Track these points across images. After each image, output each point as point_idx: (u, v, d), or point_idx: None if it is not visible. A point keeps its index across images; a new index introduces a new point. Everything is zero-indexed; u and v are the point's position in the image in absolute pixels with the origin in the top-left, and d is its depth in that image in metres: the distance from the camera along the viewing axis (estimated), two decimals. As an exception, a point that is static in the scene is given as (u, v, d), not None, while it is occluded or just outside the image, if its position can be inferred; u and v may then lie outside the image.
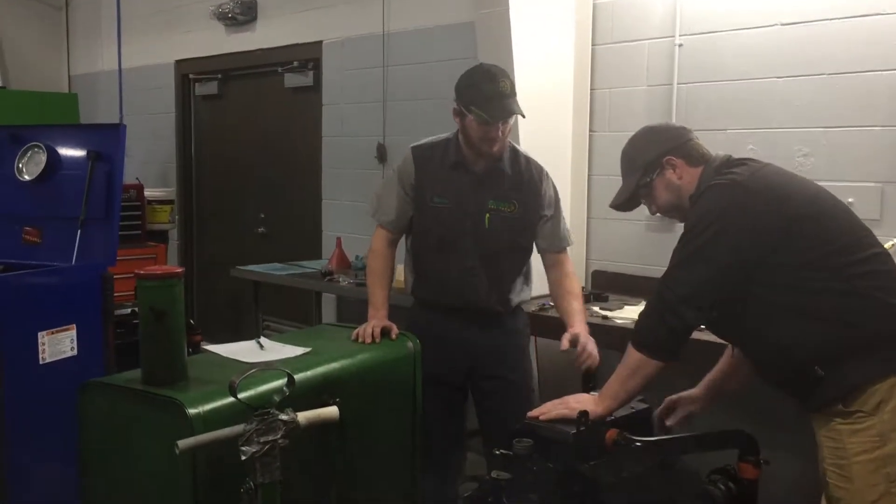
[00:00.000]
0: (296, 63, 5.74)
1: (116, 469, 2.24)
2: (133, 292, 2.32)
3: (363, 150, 5.25)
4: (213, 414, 2.06)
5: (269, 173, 6.20)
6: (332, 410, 2.08)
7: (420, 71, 4.94)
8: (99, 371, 3.00)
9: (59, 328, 3.04)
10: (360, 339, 2.76)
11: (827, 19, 3.37)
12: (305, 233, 5.79)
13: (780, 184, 2.15)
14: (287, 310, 5.59)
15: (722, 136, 3.63)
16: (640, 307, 3.59)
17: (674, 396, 2.46)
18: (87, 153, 3.46)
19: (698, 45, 3.77)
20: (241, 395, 2.01)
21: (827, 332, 2.02)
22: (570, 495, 2.09)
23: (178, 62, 6.73)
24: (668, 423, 2.42)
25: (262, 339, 2.75)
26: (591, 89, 4.12)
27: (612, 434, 2.13)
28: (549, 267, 3.04)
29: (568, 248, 3.08)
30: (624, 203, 2.42)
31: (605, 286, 4.02)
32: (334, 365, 2.53)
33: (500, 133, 2.81)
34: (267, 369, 2.19)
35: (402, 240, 3.11)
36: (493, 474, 2.14)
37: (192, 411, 2.04)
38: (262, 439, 1.87)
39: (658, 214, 2.44)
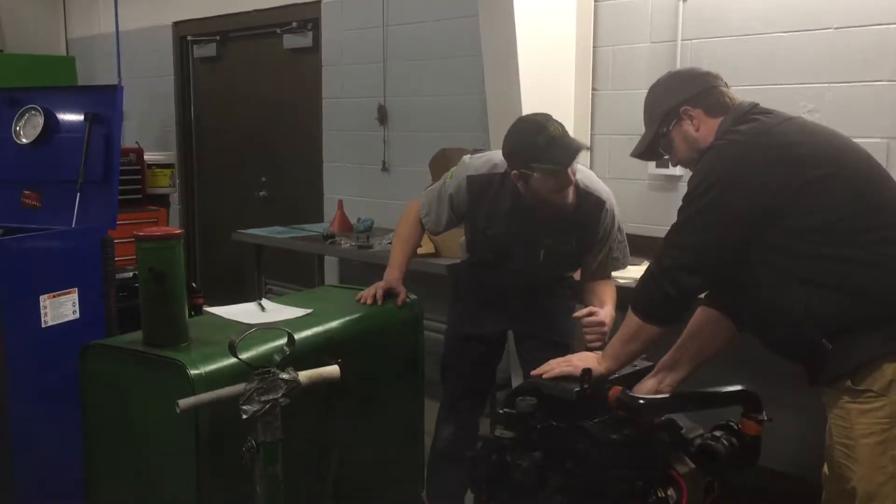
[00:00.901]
0: (294, 24, 5.68)
1: (119, 430, 2.25)
2: (135, 256, 2.31)
3: (364, 112, 5.21)
4: (214, 374, 2.06)
5: (269, 136, 6.16)
6: (332, 369, 2.07)
7: (420, 30, 4.88)
8: (101, 334, 3.00)
9: (60, 292, 3.04)
10: (361, 300, 2.75)
11: (833, -28, 3.32)
12: (307, 195, 5.77)
13: (795, 142, 2.01)
14: (289, 273, 5.59)
15: (726, 92, 3.58)
16: (644, 267, 3.60)
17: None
18: (85, 115, 3.42)
19: (703, 0, 3.71)
20: (242, 356, 2.00)
21: (836, 303, 1.92)
22: (573, 453, 2.09)
23: (176, 24, 6.66)
24: None
25: (264, 301, 2.75)
26: (593, 47, 4.06)
27: (615, 392, 2.12)
28: (586, 285, 2.91)
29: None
30: (643, 153, 2.31)
31: (607, 246, 4.00)
32: (335, 325, 2.53)
33: (571, 177, 2.63)
34: (267, 329, 2.18)
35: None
36: (497, 432, 2.15)
37: (193, 372, 2.04)
38: (263, 398, 1.88)
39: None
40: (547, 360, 2.34)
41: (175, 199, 6.49)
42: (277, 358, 2.00)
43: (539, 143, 2.56)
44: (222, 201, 6.65)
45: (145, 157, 5.86)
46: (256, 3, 5.88)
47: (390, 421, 2.76)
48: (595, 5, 4.03)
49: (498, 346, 3.07)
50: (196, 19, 6.48)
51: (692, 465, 2.12)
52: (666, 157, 2.31)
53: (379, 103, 5.12)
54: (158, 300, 2.22)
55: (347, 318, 2.60)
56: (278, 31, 5.80)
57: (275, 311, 2.61)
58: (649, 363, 2.35)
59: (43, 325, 2.97)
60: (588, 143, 3.89)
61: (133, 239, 2.25)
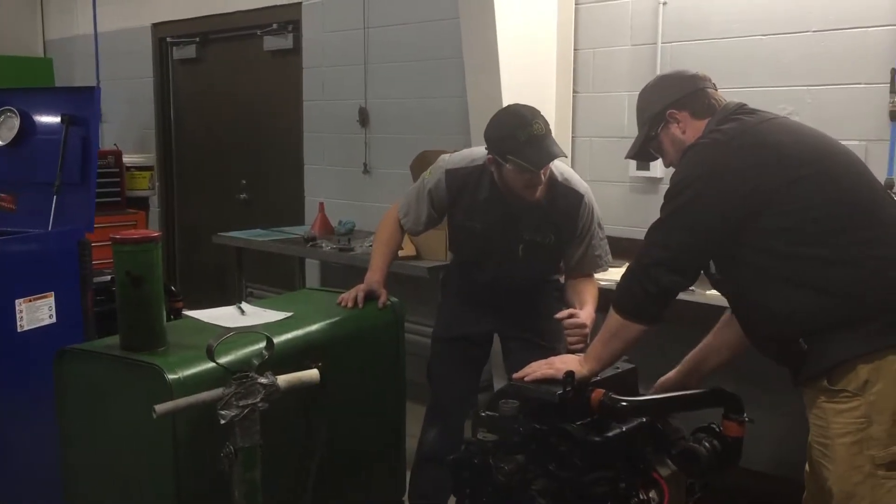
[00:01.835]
0: (275, 25, 5.65)
1: (96, 436, 2.22)
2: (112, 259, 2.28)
3: (345, 114, 5.19)
4: (192, 379, 2.04)
5: (249, 138, 6.12)
6: (312, 373, 2.06)
7: (401, 32, 4.87)
8: (78, 338, 2.96)
9: (36, 295, 3.00)
10: (342, 304, 2.74)
11: (812, -24, 3.34)
12: (287, 198, 5.74)
13: (776, 142, 2.03)
14: (270, 276, 5.56)
15: (706, 95, 3.60)
16: (624, 269, 3.61)
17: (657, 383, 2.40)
18: (62, 117, 3.39)
19: (683, 3, 3.72)
20: (220, 360, 1.98)
21: (812, 302, 1.93)
22: (556, 456, 2.08)
23: (155, 25, 6.61)
24: None
25: (244, 305, 2.73)
26: (574, 49, 4.07)
27: (597, 394, 2.12)
28: (569, 284, 2.92)
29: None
30: (636, 156, 2.36)
31: (589, 248, 4.01)
32: (315, 329, 2.51)
33: (542, 178, 2.65)
34: (245, 333, 2.16)
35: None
36: (479, 435, 2.13)
37: (171, 376, 2.02)
38: (241, 403, 1.86)
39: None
40: (532, 362, 2.36)
41: (154, 201, 6.45)
42: (256, 362, 1.98)
43: (519, 137, 2.57)
44: (202, 204, 6.61)
45: (124, 159, 5.82)
46: (236, 4, 5.85)
47: (372, 424, 2.75)
48: (576, 8, 4.04)
49: (484, 348, 3.07)
50: (175, 21, 6.43)
51: (674, 468, 2.12)
52: (658, 158, 2.34)
53: (360, 105, 5.10)
54: (136, 304, 2.19)
55: (328, 322, 2.58)
56: (259, 32, 5.77)
57: (254, 315, 2.59)
58: (630, 365, 2.35)
59: (19, 330, 2.94)
60: (566, 152, 3.93)
61: (111, 242, 2.22)
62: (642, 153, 2.33)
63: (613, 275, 3.51)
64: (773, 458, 3.32)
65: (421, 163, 4.14)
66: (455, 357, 3.00)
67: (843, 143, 2.12)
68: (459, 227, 2.91)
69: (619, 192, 3.99)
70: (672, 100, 2.20)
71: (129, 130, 6.79)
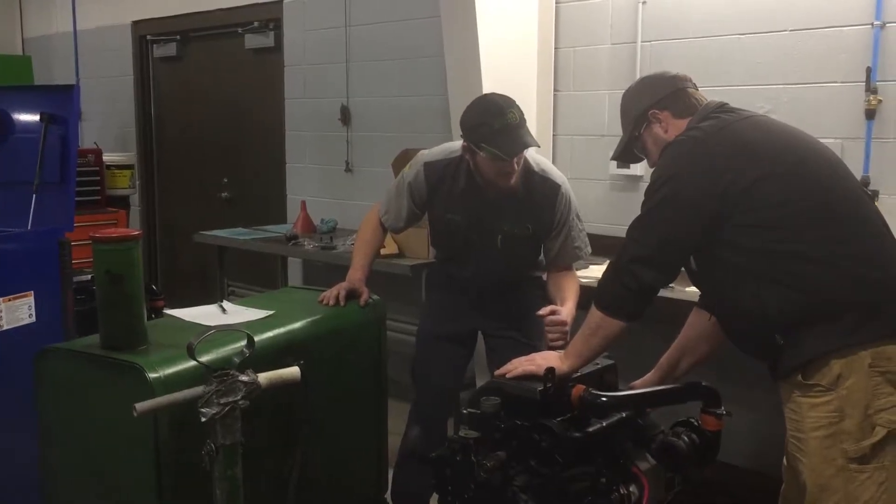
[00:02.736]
0: (256, 23, 5.63)
1: (76, 436, 2.21)
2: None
3: (327, 113, 5.19)
4: (173, 378, 2.03)
5: (231, 137, 6.10)
6: (293, 371, 2.06)
7: (383, 30, 4.87)
8: (58, 338, 2.94)
9: (15, 295, 2.97)
10: (324, 302, 2.74)
11: (789, -25, 3.37)
12: (269, 197, 5.73)
13: (751, 139, 2.06)
14: (252, 275, 5.54)
15: (685, 93, 3.63)
16: (605, 266, 3.63)
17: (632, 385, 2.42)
18: (41, 115, 3.36)
19: (662, 2, 3.75)
20: (201, 358, 1.98)
21: (785, 298, 1.96)
22: (537, 452, 2.10)
23: (135, 23, 6.57)
24: None
25: (225, 303, 2.72)
26: (555, 48, 4.09)
27: (578, 390, 2.14)
28: (550, 277, 2.94)
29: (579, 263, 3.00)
30: (620, 156, 2.39)
31: (570, 246, 4.03)
32: (297, 327, 2.52)
33: (515, 167, 2.69)
34: (227, 331, 2.16)
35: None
36: (461, 433, 2.15)
37: (152, 375, 2.01)
38: (222, 401, 1.85)
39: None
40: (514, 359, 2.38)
41: (135, 200, 6.41)
42: (237, 360, 1.98)
43: (493, 126, 2.60)
44: (184, 203, 6.58)
45: (104, 157, 5.76)
46: (217, 2, 5.82)
47: (353, 422, 2.75)
48: (556, 7, 4.06)
49: (468, 345, 3.08)
50: (155, 18, 6.40)
51: (653, 462, 2.14)
52: (643, 159, 2.37)
53: (342, 104, 5.10)
54: (116, 303, 2.18)
55: (309, 320, 2.58)
56: (240, 30, 5.74)
57: (236, 313, 2.58)
58: (610, 361, 2.37)
59: (-2, 330, 2.92)
60: (547, 150, 3.95)
61: (90, 241, 2.21)
62: (626, 154, 2.37)
63: (594, 272, 3.54)
64: (751, 453, 3.35)
65: (402, 161, 4.14)
66: (439, 355, 3.02)
67: (820, 140, 2.16)
68: (439, 219, 2.92)
69: (599, 190, 4.02)
70: (654, 100, 2.23)
71: (109, 129, 6.74)
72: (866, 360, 1.91)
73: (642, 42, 3.80)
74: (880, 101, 3.19)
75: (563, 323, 2.62)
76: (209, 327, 2.17)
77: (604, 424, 2.13)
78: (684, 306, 2.79)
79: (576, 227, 2.88)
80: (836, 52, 3.29)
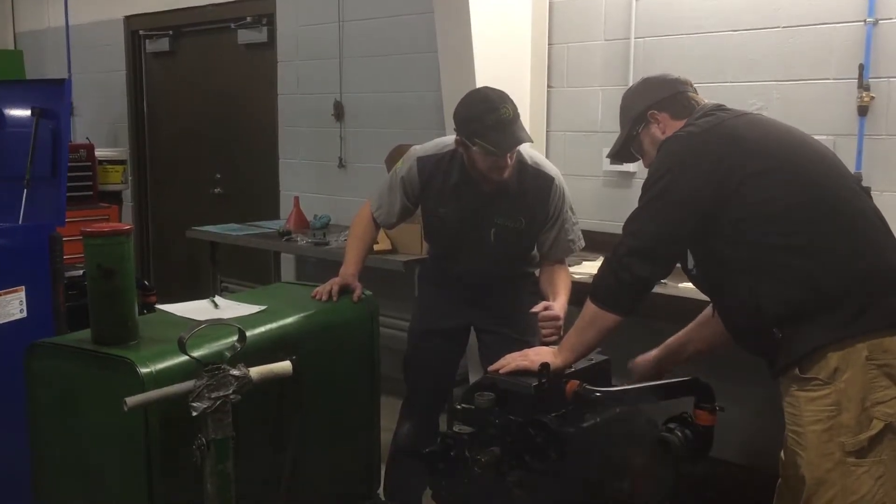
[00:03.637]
0: (249, 18, 5.61)
1: (67, 431, 2.19)
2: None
3: (320, 108, 5.18)
4: (165, 372, 2.02)
5: (224, 132, 6.08)
6: (285, 365, 2.05)
7: (376, 26, 4.86)
8: (49, 333, 2.92)
9: (6, 290, 2.96)
10: (316, 297, 2.73)
11: (783, -28, 3.38)
12: (262, 192, 5.71)
13: (746, 135, 2.07)
14: (245, 270, 5.53)
15: (679, 90, 3.63)
16: (598, 263, 3.63)
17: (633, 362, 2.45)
18: (32, 110, 3.35)
19: (655, -2, 3.75)
20: (192, 353, 1.97)
21: (781, 293, 1.97)
22: (532, 447, 2.09)
23: (128, 18, 6.54)
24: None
25: (217, 298, 2.72)
26: (548, 44, 4.08)
27: (572, 385, 2.14)
28: (543, 271, 2.93)
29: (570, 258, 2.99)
30: (617, 155, 2.40)
31: (563, 242, 4.03)
32: (289, 322, 2.51)
33: (508, 162, 2.68)
34: (218, 325, 2.15)
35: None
36: (455, 428, 2.14)
37: (143, 370, 2.00)
38: (212, 395, 1.85)
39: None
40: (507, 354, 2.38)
41: (128, 196, 6.39)
42: (228, 354, 1.97)
43: (487, 121, 2.60)
44: (176, 198, 6.55)
45: (96, 153, 5.74)
46: (210, -3, 5.81)
47: (346, 417, 2.74)
48: (550, 3, 4.05)
49: (460, 341, 3.07)
50: (148, 13, 6.37)
51: (647, 457, 2.14)
52: (638, 159, 2.38)
53: (335, 99, 5.09)
54: (107, 297, 2.17)
55: (301, 315, 2.57)
56: (233, 25, 5.72)
57: (228, 308, 2.57)
58: (604, 357, 2.37)
59: (-12, 325, 2.90)
60: (541, 146, 3.95)
61: (81, 235, 2.20)
62: (623, 153, 2.38)
63: (587, 268, 3.54)
64: (744, 448, 3.36)
65: (396, 156, 4.12)
66: (431, 350, 3.01)
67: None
68: (432, 214, 2.91)
69: (592, 187, 4.02)
70: (653, 101, 2.25)
71: (101, 124, 6.72)
72: (863, 352, 1.92)
73: (636, 38, 3.80)
74: (873, 97, 3.20)
75: (557, 318, 2.62)
76: (200, 322, 2.16)
77: (597, 420, 2.13)
78: (678, 302, 2.81)
79: (569, 220, 2.88)
80: (829, 49, 3.30)
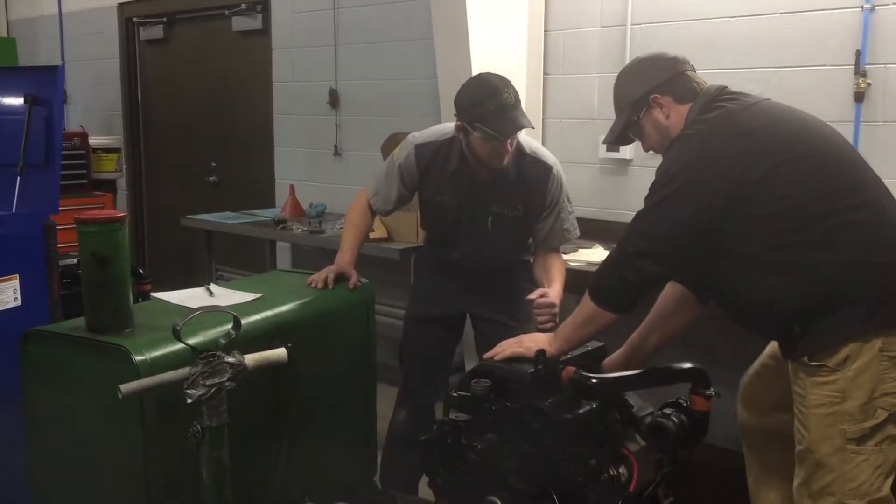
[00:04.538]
0: (244, 5, 5.58)
1: (63, 419, 2.19)
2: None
3: (315, 96, 5.15)
4: (160, 360, 2.02)
5: (218, 120, 6.06)
6: (280, 352, 2.05)
7: (371, 13, 4.84)
8: (44, 321, 2.91)
9: (0, 278, 2.95)
10: (312, 284, 2.73)
11: (780, -43, 3.36)
12: (258, 181, 5.69)
13: (758, 130, 2.02)
14: (241, 259, 5.52)
15: (675, 76, 3.62)
16: (595, 250, 3.64)
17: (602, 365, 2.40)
18: (25, 97, 3.32)
19: (652, -16, 3.74)
20: (187, 340, 1.97)
21: (801, 289, 1.95)
22: (528, 434, 2.10)
23: (121, 5, 6.50)
24: None
25: (212, 286, 2.71)
26: (544, 31, 4.07)
27: (568, 372, 2.14)
28: (538, 258, 2.93)
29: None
30: (616, 141, 2.34)
31: (559, 230, 4.02)
32: (284, 310, 2.50)
33: (508, 148, 2.67)
34: (213, 313, 2.14)
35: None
36: (451, 416, 2.14)
37: (138, 358, 2.00)
38: (207, 382, 1.84)
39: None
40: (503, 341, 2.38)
41: (122, 184, 6.37)
42: (223, 342, 1.96)
43: (488, 106, 2.59)
44: (171, 186, 6.53)
45: (90, 141, 5.72)
46: (204, -17, 5.78)
47: (341, 405, 2.74)
48: (547, -12, 4.04)
49: (456, 328, 3.07)
50: (142, 0, 6.33)
51: (643, 443, 2.15)
52: (634, 141, 2.33)
53: (330, 87, 5.06)
54: (101, 285, 2.16)
55: (297, 303, 2.57)
56: (227, 12, 5.69)
57: (223, 296, 2.57)
58: (600, 343, 2.37)
59: (-18, 313, 2.89)
60: (533, 124, 3.93)
61: (75, 223, 2.19)
62: (622, 138, 2.32)
63: (583, 256, 3.54)
64: (738, 434, 3.35)
65: (392, 144, 4.12)
66: (427, 338, 3.01)
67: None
68: (430, 201, 2.91)
69: (589, 174, 4.01)
70: (654, 84, 2.18)
71: (95, 112, 6.69)
72: (877, 345, 1.93)
73: (632, 25, 3.79)
74: (869, 84, 3.19)
75: (553, 305, 2.62)
76: (195, 309, 2.15)
77: (593, 406, 2.13)
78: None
79: (566, 209, 2.87)
80: (826, 35, 3.29)
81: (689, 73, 2.21)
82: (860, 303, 1.94)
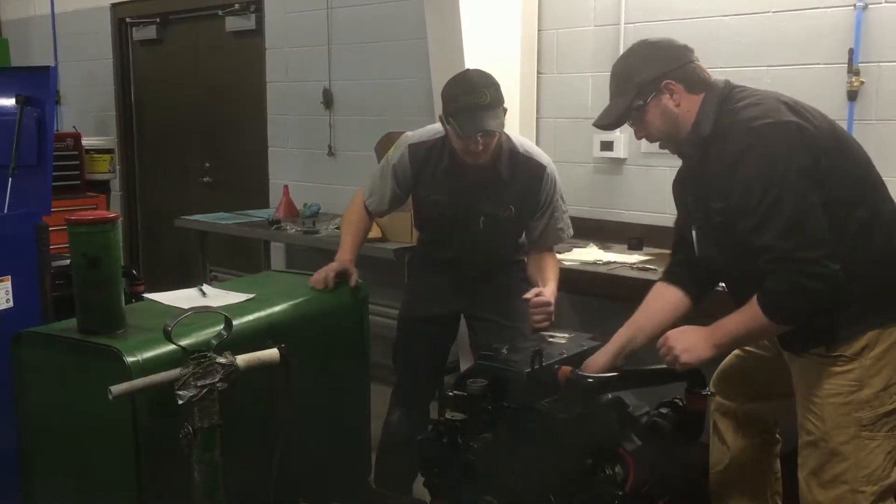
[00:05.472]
0: (237, 6, 5.57)
1: (55, 420, 2.18)
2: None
3: (309, 96, 5.14)
4: (152, 361, 2.01)
5: (212, 121, 6.04)
6: (272, 353, 2.04)
7: (365, 12, 4.83)
8: (36, 323, 2.88)
9: (-8, 280, 2.93)
10: (313, 285, 2.72)
11: (773, -44, 3.36)
12: (252, 181, 5.68)
13: (806, 126, 1.96)
14: (235, 259, 5.51)
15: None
16: (589, 249, 3.64)
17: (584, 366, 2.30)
18: (16, 98, 3.31)
19: (646, -17, 3.73)
20: (179, 341, 1.96)
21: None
22: (524, 433, 2.09)
23: (114, 5, 6.48)
24: None
25: (205, 287, 2.70)
26: (538, 30, 4.06)
27: (565, 371, 2.13)
28: (532, 258, 2.91)
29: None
30: (611, 125, 2.17)
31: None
32: (278, 310, 2.49)
33: (479, 146, 2.62)
34: (205, 314, 2.13)
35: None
36: (448, 415, 2.14)
37: (129, 359, 1.99)
38: (199, 383, 1.83)
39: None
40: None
41: (116, 185, 6.34)
42: (214, 342, 1.95)
43: (460, 102, 2.58)
44: (165, 187, 6.51)
45: (83, 142, 5.69)
46: (198, -17, 5.76)
47: (336, 405, 2.73)
48: (540, -12, 4.03)
49: (450, 328, 3.07)
50: (135, 1, 6.32)
51: (639, 442, 2.14)
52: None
53: (324, 87, 5.05)
54: (93, 286, 2.15)
55: (290, 303, 2.56)
56: (220, 13, 5.68)
57: (216, 297, 2.55)
58: (596, 343, 2.36)
59: (-26, 315, 2.87)
60: (531, 132, 3.90)
61: (66, 224, 2.18)
62: (618, 122, 2.16)
63: (577, 255, 3.54)
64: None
65: (386, 144, 4.11)
66: (421, 338, 3.00)
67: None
68: (423, 201, 2.90)
69: (583, 173, 4.00)
70: (668, 69, 2.05)
71: (88, 113, 6.66)
72: (895, 333, 1.94)
73: (626, 24, 3.78)
74: (862, 82, 3.19)
75: (548, 304, 2.62)
76: (186, 310, 2.14)
77: (589, 406, 2.13)
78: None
79: (559, 208, 2.87)
80: (819, 34, 3.29)
81: (697, 62, 2.11)
82: (881, 296, 1.95)
